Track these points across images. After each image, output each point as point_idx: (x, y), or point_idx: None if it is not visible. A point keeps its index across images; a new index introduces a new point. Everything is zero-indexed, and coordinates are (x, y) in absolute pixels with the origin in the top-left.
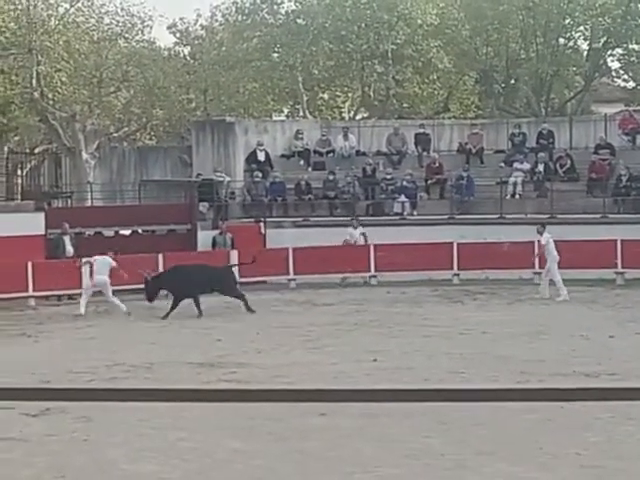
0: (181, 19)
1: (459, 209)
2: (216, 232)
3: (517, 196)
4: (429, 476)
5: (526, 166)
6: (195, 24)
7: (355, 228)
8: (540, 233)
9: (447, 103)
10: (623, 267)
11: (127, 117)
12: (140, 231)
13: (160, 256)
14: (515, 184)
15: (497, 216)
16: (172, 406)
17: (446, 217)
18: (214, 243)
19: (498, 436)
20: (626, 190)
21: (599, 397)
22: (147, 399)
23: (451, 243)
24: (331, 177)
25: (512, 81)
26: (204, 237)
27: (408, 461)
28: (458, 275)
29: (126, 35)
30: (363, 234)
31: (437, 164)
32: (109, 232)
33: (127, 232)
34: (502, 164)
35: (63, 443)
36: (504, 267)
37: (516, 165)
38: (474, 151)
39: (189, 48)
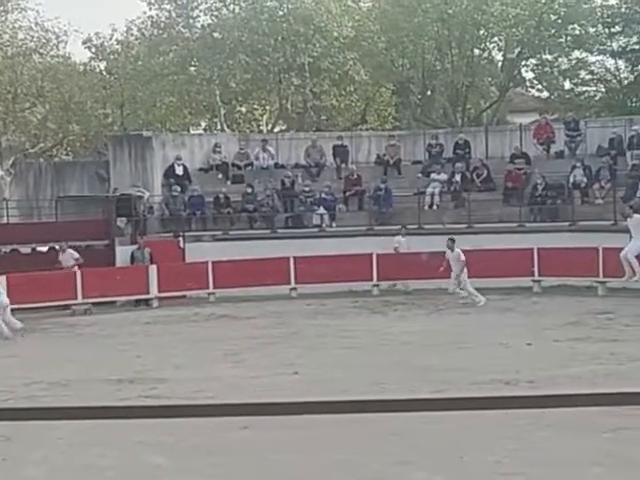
0: (96, 34)
1: (378, 220)
2: (134, 247)
3: (435, 207)
4: None
5: (443, 176)
6: (111, 39)
7: (403, 236)
8: (450, 248)
9: (364, 115)
10: (540, 275)
11: (43, 133)
12: (57, 247)
13: (78, 272)
14: (433, 195)
15: (415, 227)
16: (92, 423)
17: (365, 228)
18: (133, 258)
19: (418, 445)
20: (541, 199)
21: (517, 405)
22: (67, 417)
23: (370, 254)
24: (249, 190)
25: (428, 92)
26: (122, 252)
27: (331, 473)
28: (378, 286)
29: (41, 50)
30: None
31: (355, 176)
32: (26, 249)
33: (44, 249)
34: (419, 175)
35: None
36: (423, 277)
37: (433, 176)
38: (392, 162)
39: (105, 63)
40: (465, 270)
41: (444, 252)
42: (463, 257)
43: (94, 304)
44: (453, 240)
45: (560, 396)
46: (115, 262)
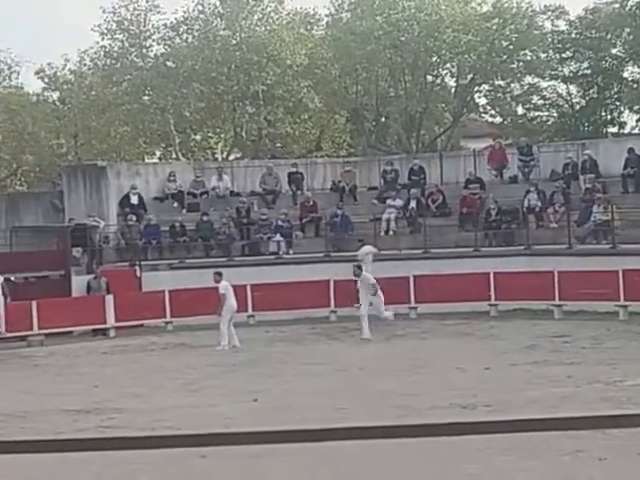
0: (49, 64)
1: (335, 246)
2: (91, 277)
3: (391, 232)
4: None
5: (399, 202)
6: (63, 69)
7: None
8: (357, 275)
9: (319, 142)
10: (496, 299)
11: None
12: (12, 278)
13: (34, 303)
14: (389, 220)
15: None
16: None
17: (322, 255)
18: (89, 288)
19: (376, 472)
20: (496, 223)
21: (477, 430)
22: (24, 450)
23: (327, 281)
24: (205, 218)
25: (382, 119)
26: (78, 282)
27: None
28: (335, 312)
29: None
30: None
31: (311, 202)
32: None
33: None
34: (375, 201)
35: None
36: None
37: (389, 202)
38: (347, 189)
39: (58, 93)
40: (380, 292)
41: (400, 277)
42: (373, 280)
43: (51, 335)
44: (359, 267)
45: (519, 421)
46: (71, 292)
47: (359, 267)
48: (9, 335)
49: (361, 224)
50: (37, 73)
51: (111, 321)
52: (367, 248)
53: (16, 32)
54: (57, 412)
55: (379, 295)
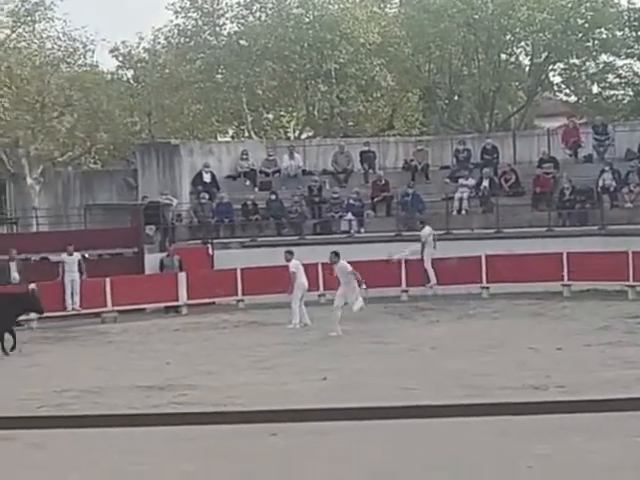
0: (123, 43)
1: (406, 225)
2: (164, 255)
3: (463, 212)
4: None
5: (471, 182)
6: (137, 47)
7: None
8: (334, 262)
9: (391, 120)
10: (569, 279)
11: (71, 141)
12: (87, 255)
13: (107, 280)
14: (461, 200)
15: (444, 232)
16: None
17: (393, 234)
18: (162, 266)
19: (449, 451)
20: (570, 203)
21: (549, 410)
22: (98, 424)
23: (399, 260)
24: (273, 197)
25: (455, 97)
26: (151, 260)
27: (358, 478)
28: (407, 291)
29: (68, 60)
30: None
31: (383, 181)
32: (55, 257)
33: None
34: (447, 180)
35: (14, 472)
36: (452, 282)
37: (461, 181)
38: (419, 168)
39: (132, 71)
40: (355, 283)
41: (472, 256)
42: (350, 268)
43: (124, 311)
44: (336, 254)
45: (592, 401)
46: (144, 269)
47: (336, 254)
48: (84, 311)
49: (432, 203)
50: (111, 51)
51: (183, 299)
52: (428, 229)
53: (91, 11)
54: (130, 388)
55: (352, 284)
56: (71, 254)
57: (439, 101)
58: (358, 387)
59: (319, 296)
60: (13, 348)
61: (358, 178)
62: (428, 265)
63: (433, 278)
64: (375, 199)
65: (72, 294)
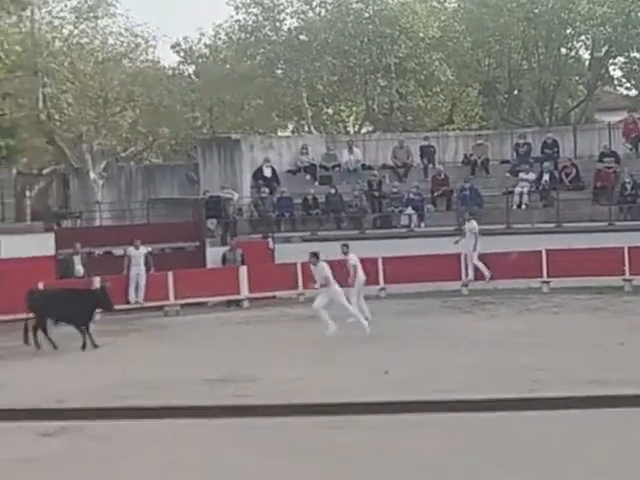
0: (185, 38)
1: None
2: (225, 248)
3: (523, 206)
4: None
5: (531, 176)
6: (199, 43)
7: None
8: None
9: (451, 115)
10: (631, 274)
11: (133, 136)
12: (149, 249)
13: (170, 274)
14: (521, 194)
15: (504, 226)
16: (186, 422)
17: (453, 228)
18: (224, 259)
19: (510, 445)
20: (631, 197)
21: (612, 404)
22: (162, 416)
23: (459, 254)
24: (332, 191)
25: (515, 91)
26: (213, 254)
27: (419, 474)
28: (467, 286)
29: (130, 55)
30: None
31: (443, 176)
32: (119, 251)
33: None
34: (508, 174)
35: (80, 462)
36: (512, 277)
37: (521, 175)
38: (479, 162)
39: (193, 67)
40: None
41: (533, 251)
42: (327, 272)
43: (186, 305)
44: (315, 255)
45: None
46: (206, 264)
47: (315, 255)
48: (147, 305)
49: (492, 197)
50: (173, 47)
51: (245, 292)
52: (474, 223)
53: (152, 7)
54: (193, 381)
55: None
56: (138, 248)
57: (499, 95)
58: (419, 381)
59: (379, 290)
60: (84, 346)
61: (418, 173)
62: (476, 260)
63: (485, 270)
64: (435, 193)
65: (137, 288)
